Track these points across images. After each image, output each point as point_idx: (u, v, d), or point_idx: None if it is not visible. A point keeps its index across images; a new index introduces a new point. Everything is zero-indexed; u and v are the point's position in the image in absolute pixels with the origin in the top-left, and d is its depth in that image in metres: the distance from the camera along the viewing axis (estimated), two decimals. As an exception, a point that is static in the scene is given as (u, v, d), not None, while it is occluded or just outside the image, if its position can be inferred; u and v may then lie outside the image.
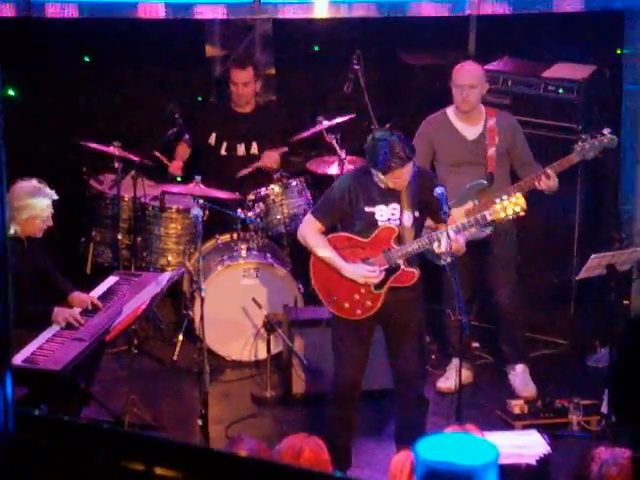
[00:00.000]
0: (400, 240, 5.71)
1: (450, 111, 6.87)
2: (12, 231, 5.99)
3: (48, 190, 6.09)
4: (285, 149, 7.82)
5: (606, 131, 6.64)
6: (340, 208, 5.72)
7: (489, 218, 5.80)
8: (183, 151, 7.94)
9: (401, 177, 5.54)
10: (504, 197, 5.77)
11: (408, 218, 5.69)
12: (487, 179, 6.75)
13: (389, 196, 5.66)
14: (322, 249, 5.74)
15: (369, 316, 5.77)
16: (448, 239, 5.57)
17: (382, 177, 5.57)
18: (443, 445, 1.89)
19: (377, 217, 5.69)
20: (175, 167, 7.81)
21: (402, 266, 5.73)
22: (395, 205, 5.67)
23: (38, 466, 1.82)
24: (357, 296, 5.75)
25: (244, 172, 7.73)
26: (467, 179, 6.74)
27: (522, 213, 5.78)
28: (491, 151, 6.76)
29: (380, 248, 5.71)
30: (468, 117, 6.82)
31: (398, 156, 5.46)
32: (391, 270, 5.73)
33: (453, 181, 6.70)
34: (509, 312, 7.00)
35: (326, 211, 5.77)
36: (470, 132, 6.83)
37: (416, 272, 5.77)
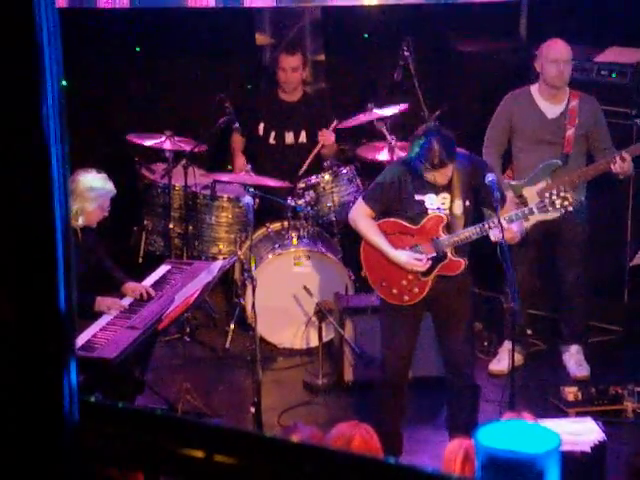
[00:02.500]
0: (449, 229, 5.71)
1: (534, 88, 6.87)
2: (80, 222, 6.06)
3: (108, 180, 6.17)
4: (335, 123, 7.74)
5: None
6: (390, 195, 5.72)
7: (536, 212, 5.79)
8: (238, 142, 7.95)
9: (437, 177, 5.57)
10: (553, 192, 5.76)
11: (458, 207, 5.68)
12: (562, 159, 6.73)
13: (440, 185, 5.65)
14: (371, 234, 5.76)
15: (416, 302, 5.78)
16: (500, 228, 5.56)
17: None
18: (504, 433, 1.88)
19: (427, 205, 5.69)
20: (239, 165, 7.81)
21: (449, 255, 5.73)
22: (445, 194, 5.67)
23: (102, 454, 1.84)
24: (405, 282, 5.76)
25: (306, 165, 7.70)
26: (542, 157, 6.72)
27: (570, 208, 5.79)
28: (570, 132, 6.74)
29: (429, 236, 5.71)
30: (553, 95, 6.80)
31: (432, 161, 5.48)
32: (439, 258, 5.73)
33: (528, 159, 6.72)
34: (573, 294, 7.00)
35: (376, 197, 5.78)
36: (551, 111, 6.81)
37: (463, 262, 5.76)
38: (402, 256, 5.72)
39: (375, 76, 8.41)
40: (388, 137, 7.43)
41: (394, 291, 5.79)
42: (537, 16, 8.09)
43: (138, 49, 8.23)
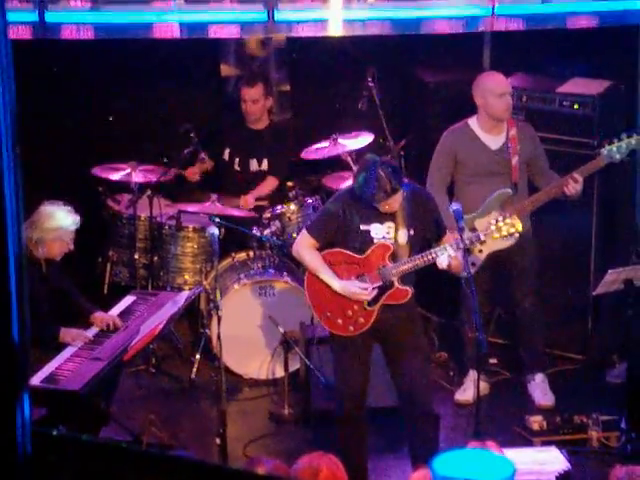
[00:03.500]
0: (395, 257, 5.72)
1: (472, 122, 6.90)
2: (40, 252, 6.05)
3: (73, 213, 6.16)
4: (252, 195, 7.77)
5: (636, 132, 6.64)
6: (334, 225, 5.73)
7: (483, 238, 5.81)
8: (205, 164, 7.95)
9: (390, 205, 5.59)
10: (499, 218, 5.79)
11: (403, 236, 5.70)
12: (512, 188, 6.77)
13: (384, 214, 5.67)
14: (315, 265, 5.75)
15: (363, 333, 5.77)
16: (449, 257, 5.59)
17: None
18: (460, 461, 1.89)
19: (372, 235, 5.70)
20: (190, 172, 7.82)
21: (396, 284, 5.74)
22: (390, 223, 5.69)
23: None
24: (350, 312, 5.76)
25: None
26: (490, 189, 6.76)
27: (517, 234, 5.82)
28: (515, 160, 6.79)
29: (375, 265, 5.72)
30: (493, 127, 6.85)
31: (384, 189, 5.49)
32: (385, 287, 5.74)
33: (476, 191, 6.75)
34: (531, 322, 7.03)
35: (320, 228, 5.79)
36: (494, 142, 6.86)
37: (410, 290, 5.76)
38: (347, 286, 5.71)
39: (340, 106, 8.44)
40: (353, 167, 7.45)
41: (339, 321, 5.78)
42: (500, 47, 8.16)
43: (103, 80, 8.20)
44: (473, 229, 6.62)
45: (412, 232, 5.70)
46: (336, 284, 5.72)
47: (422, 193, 5.88)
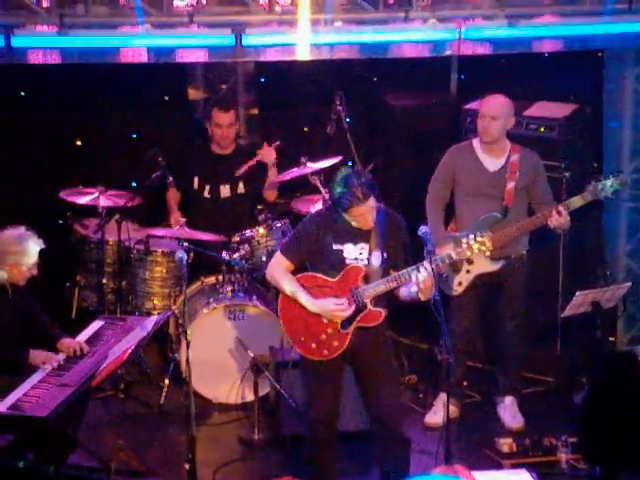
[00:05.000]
0: (368, 279, 5.72)
1: (475, 141, 6.94)
2: (1, 276, 6.02)
3: (36, 238, 6.12)
4: (278, 143, 7.78)
5: (620, 174, 6.70)
6: (308, 246, 5.74)
7: (455, 257, 5.81)
8: (174, 196, 7.93)
9: (362, 215, 5.59)
10: (471, 237, 5.79)
11: (377, 258, 5.71)
12: (502, 212, 6.78)
13: (358, 235, 5.69)
14: (289, 287, 5.74)
15: (336, 356, 5.76)
16: (421, 279, 5.56)
17: (345, 215, 5.61)
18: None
19: (345, 255, 5.71)
20: (175, 219, 7.75)
21: (369, 306, 5.74)
22: (363, 245, 5.70)
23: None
24: (324, 336, 5.75)
25: (243, 169, 7.71)
26: (482, 210, 6.78)
27: (487, 253, 5.81)
28: (510, 185, 6.81)
29: (348, 287, 5.72)
30: (492, 149, 6.87)
31: (355, 195, 5.51)
32: (358, 309, 5.74)
33: (469, 211, 6.79)
34: (513, 344, 7.04)
35: (294, 249, 5.79)
36: (492, 164, 6.88)
37: (383, 312, 5.77)
38: (323, 305, 5.70)
39: (308, 130, 8.46)
40: (322, 190, 7.47)
41: (313, 346, 5.77)
42: (467, 71, 8.21)
43: (70, 104, 8.18)
44: None
45: (385, 255, 5.71)
46: (311, 304, 5.71)
47: (396, 218, 5.90)
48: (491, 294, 6.98)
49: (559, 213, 6.62)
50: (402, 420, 5.96)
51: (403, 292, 5.70)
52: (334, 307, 5.68)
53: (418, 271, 5.58)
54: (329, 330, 5.74)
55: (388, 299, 5.80)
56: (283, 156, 7.99)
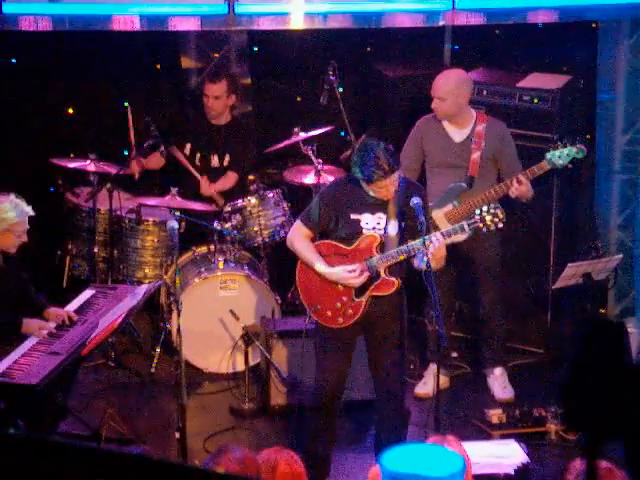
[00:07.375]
0: (383, 249, 5.72)
1: None
2: None
3: (25, 205, 6.09)
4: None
5: (578, 141, 6.67)
6: (327, 214, 5.74)
7: (467, 229, 5.80)
8: (155, 160, 7.89)
9: (385, 187, 5.57)
10: (484, 209, 5.76)
11: (393, 228, 5.70)
12: (467, 182, 6.77)
13: (376, 205, 5.68)
14: (307, 254, 5.76)
15: (351, 325, 5.78)
16: (428, 249, 5.56)
17: (366, 186, 5.60)
18: (409, 456, 1.88)
19: (362, 224, 5.71)
20: (134, 166, 7.72)
21: (383, 274, 5.74)
22: (381, 214, 5.70)
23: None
24: (339, 304, 5.77)
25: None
26: (449, 181, 6.77)
27: (500, 225, 5.78)
28: (475, 155, 6.78)
29: (363, 256, 5.73)
30: (456, 120, 6.84)
31: (382, 167, 5.50)
32: (372, 278, 5.74)
33: (437, 182, 6.77)
34: (490, 317, 7.04)
35: (313, 217, 5.80)
36: (458, 134, 6.86)
37: (396, 281, 5.77)
38: (335, 272, 5.71)
39: (301, 100, 8.43)
40: (314, 160, 7.46)
41: (328, 314, 5.79)
42: (461, 42, 8.17)
43: (62, 72, 8.13)
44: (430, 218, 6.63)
45: (403, 224, 5.71)
46: (326, 270, 5.72)
47: (413, 186, 5.87)
48: (464, 267, 6.94)
49: (519, 182, 6.58)
50: (404, 392, 6.00)
51: (416, 262, 5.70)
52: (346, 274, 5.70)
53: (430, 242, 5.57)
54: (344, 298, 5.75)
55: (405, 269, 5.80)
56: (276, 126, 7.97)
